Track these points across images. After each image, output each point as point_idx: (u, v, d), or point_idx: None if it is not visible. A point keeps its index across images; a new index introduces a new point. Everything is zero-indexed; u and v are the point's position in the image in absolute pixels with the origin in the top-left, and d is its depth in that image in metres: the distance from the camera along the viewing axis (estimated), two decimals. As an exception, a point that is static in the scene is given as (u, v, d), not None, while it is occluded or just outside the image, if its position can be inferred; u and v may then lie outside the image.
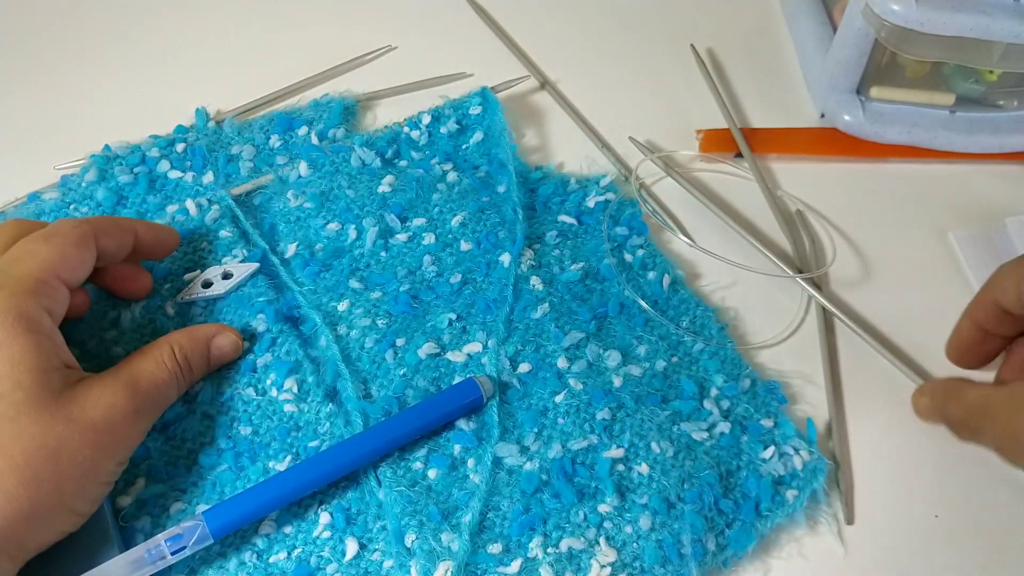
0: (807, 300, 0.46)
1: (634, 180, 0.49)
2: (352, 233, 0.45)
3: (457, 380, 0.40)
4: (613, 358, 0.41)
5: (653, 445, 0.38)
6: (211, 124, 0.49)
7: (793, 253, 0.47)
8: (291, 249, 0.44)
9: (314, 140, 0.49)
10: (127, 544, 0.35)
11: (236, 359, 0.40)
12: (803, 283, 0.45)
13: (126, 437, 0.34)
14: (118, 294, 0.41)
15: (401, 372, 0.40)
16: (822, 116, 0.53)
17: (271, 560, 0.35)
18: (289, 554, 0.35)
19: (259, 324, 0.41)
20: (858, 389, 0.42)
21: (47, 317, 0.33)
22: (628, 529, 0.36)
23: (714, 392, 0.40)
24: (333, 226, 0.45)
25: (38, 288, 0.33)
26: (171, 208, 0.45)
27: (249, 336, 0.40)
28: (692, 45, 0.56)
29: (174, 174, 0.47)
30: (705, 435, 0.39)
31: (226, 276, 0.42)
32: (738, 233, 0.47)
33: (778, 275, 0.46)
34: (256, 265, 0.43)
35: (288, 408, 0.39)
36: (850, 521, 0.38)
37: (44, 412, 0.31)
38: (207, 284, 0.42)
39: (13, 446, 0.30)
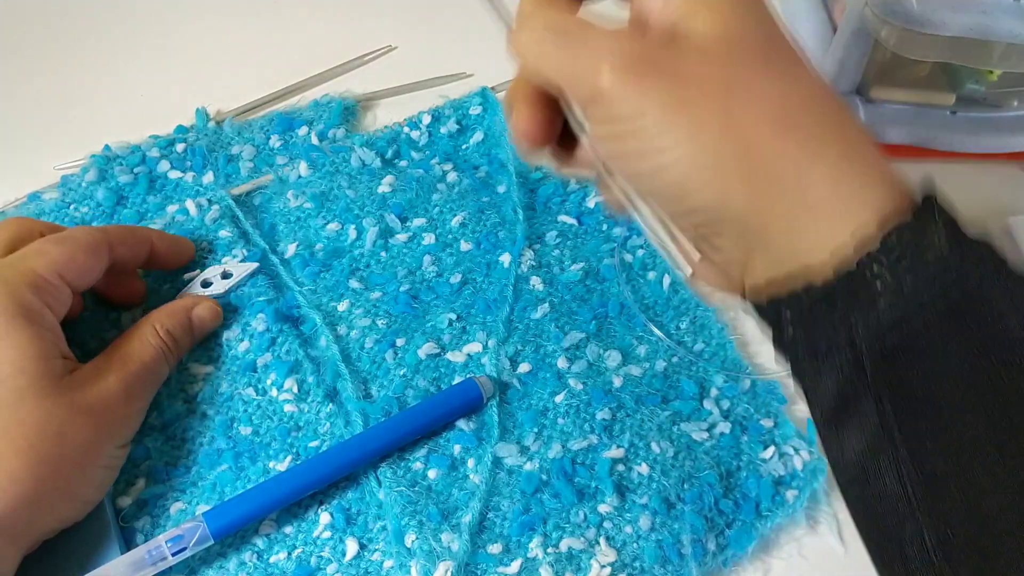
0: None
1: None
2: (352, 233, 0.45)
3: (457, 380, 0.40)
4: (613, 358, 0.41)
5: (653, 445, 0.38)
6: (211, 124, 0.49)
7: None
8: (291, 249, 0.44)
9: (314, 140, 0.49)
10: (128, 545, 0.35)
11: (218, 327, 0.41)
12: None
13: (124, 418, 0.35)
14: (111, 300, 0.41)
15: (401, 372, 0.40)
16: (822, 116, 0.53)
17: (271, 560, 0.35)
18: (289, 554, 0.35)
19: (259, 324, 0.41)
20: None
21: (48, 312, 0.34)
22: (628, 529, 0.36)
23: (714, 392, 0.40)
24: (333, 226, 0.45)
25: (40, 283, 0.34)
26: (171, 208, 0.45)
27: (249, 336, 0.41)
28: None
29: (174, 174, 0.47)
30: (705, 435, 0.39)
31: (225, 276, 0.42)
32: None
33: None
34: (255, 265, 0.43)
35: (288, 408, 0.39)
36: None
37: (46, 398, 0.32)
38: (207, 284, 0.42)
39: (16, 430, 0.31)
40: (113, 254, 0.38)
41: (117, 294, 0.41)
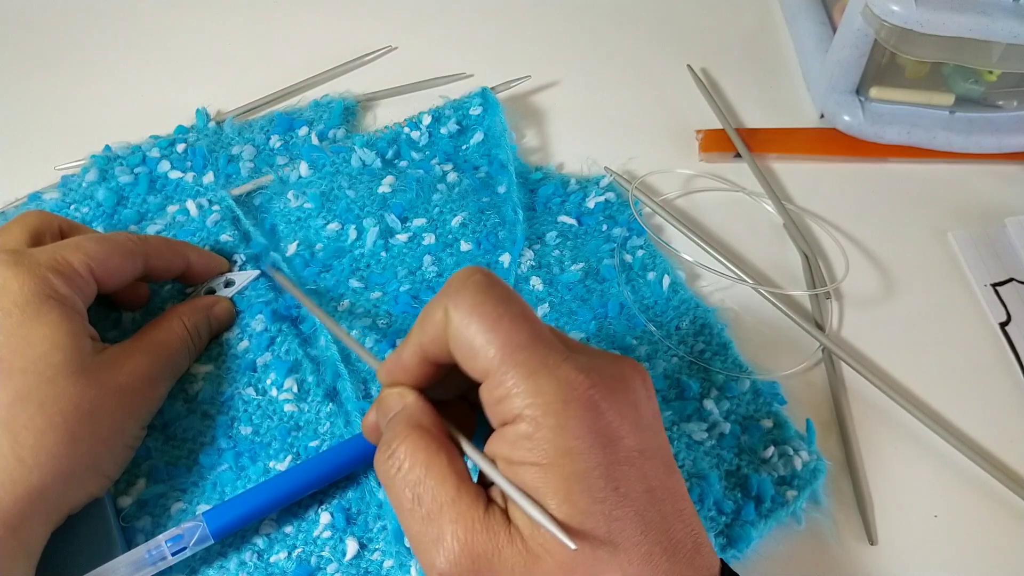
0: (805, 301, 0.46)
1: (631, 202, 0.49)
2: (352, 233, 0.45)
3: (457, 380, 0.40)
4: (613, 358, 0.41)
5: (653, 445, 0.38)
6: (211, 124, 0.49)
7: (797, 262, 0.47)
8: (291, 249, 0.44)
9: (314, 140, 0.49)
10: (129, 544, 0.35)
11: (231, 324, 0.41)
12: (804, 296, 0.46)
13: (149, 399, 0.36)
14: (115, 301, 0.41)
15: (401, 372, 0.40)
16: (822, 116, 0.53)
17: (272, 560, 0.35)
18: (290, 554, 0.35)
19: (257, 324, 0.41)
20: (858, 389, 0.43)
21: (78, 300, 0.35)
22: (628, 529, 0.36)
23: (714, 392, 0.40)
24: (333, 226, 0.45)
25: (70, 274, 0.35)
26: (172, 208, 0.45)
27: (248, 336, 0.41)
28: (689, 65, 0.56)
29: (175, 174, 0.47)
30: (706, 435, 0.39)
31: (228, 284, 0.42)
32: (722, 261, 0.47)
33: (777, 291, 0.46)
34: (258, 272, 0.43)
35: (288, 408, 0.39)
36: (873, 542, 0.38)
37: (80, 375, 0.33)
38: (210, 292, 0.42)
39: (53, 406, 0.32)
40: (148, 265, 0.38)
41: (123, 297, 0.41)
